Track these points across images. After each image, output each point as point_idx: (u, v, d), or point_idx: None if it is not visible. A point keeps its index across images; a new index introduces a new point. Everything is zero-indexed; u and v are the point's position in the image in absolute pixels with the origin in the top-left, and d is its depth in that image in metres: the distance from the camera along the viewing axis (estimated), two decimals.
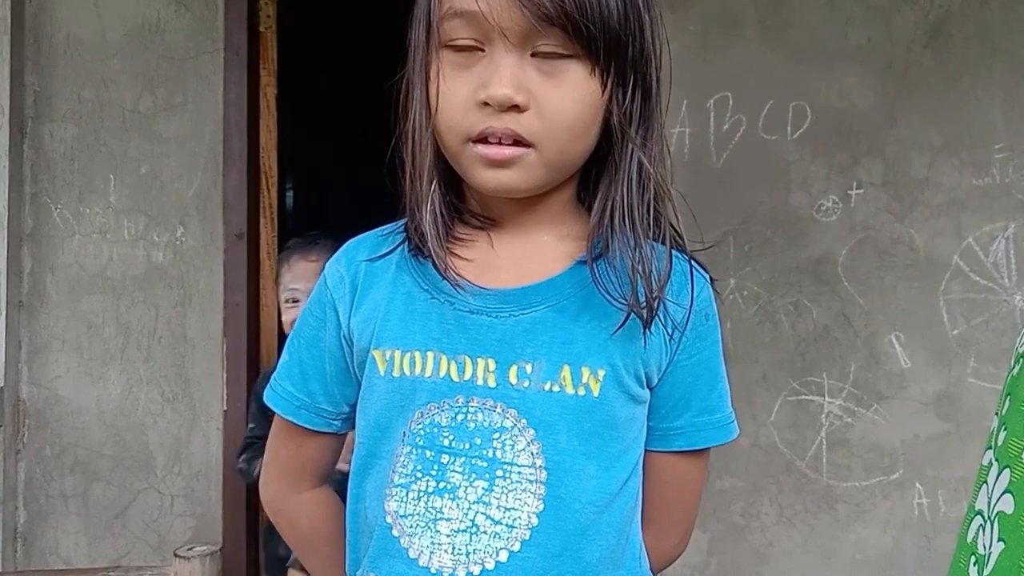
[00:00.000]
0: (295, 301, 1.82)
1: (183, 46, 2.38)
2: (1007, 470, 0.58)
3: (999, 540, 0.57)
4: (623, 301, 0.71)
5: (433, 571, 0.71)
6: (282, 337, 2.06)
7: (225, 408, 2.30)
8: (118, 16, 2.38)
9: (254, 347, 2.38)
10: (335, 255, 0.82)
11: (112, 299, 2.37)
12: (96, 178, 2.38)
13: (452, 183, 0.76)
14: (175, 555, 1.84)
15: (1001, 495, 0.58)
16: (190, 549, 1.85)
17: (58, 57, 2.38)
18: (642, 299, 0.71)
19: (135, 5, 2.38)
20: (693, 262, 0.78)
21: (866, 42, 2.36)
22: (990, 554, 0.57)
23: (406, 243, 0.77)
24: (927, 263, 2.33)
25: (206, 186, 2.37)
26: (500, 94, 0.66)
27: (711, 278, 0.80)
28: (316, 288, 0.82)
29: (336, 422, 0.82)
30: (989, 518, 0.59)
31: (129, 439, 2.37)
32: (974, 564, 0.59)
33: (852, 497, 2.30)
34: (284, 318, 1.86)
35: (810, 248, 2.36)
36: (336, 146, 4.90)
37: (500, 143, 0.68)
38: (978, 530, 0.60)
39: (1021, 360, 0.62)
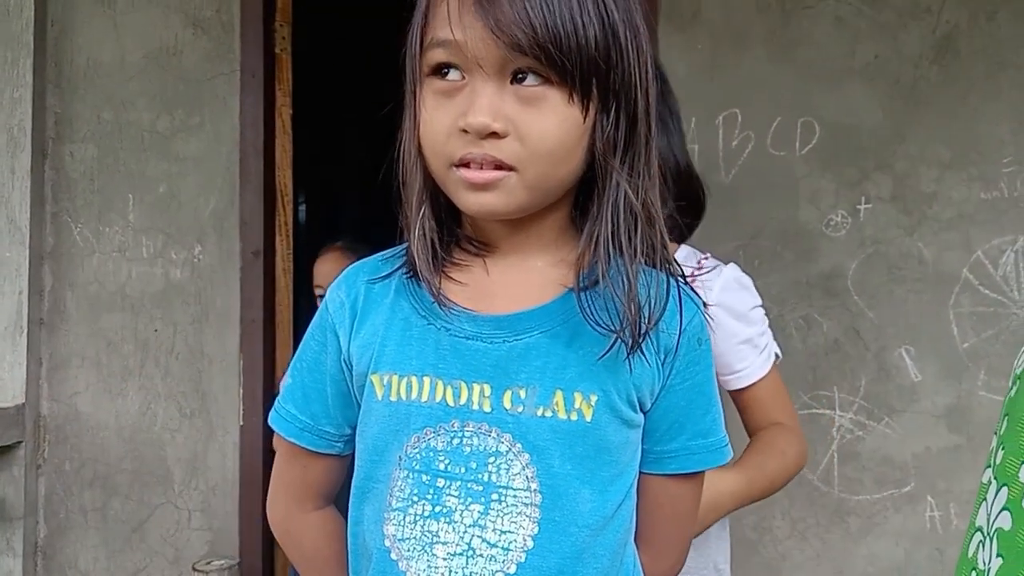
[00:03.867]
0: (320, 298, 1.88)
1: (200, 68, 2.44)
2: (1004, 488, 0.59)
3: (998, 555, 0.58)
4: (610, 329, 0.72)
5: None
6: None
7: (242, 423, 2.34)
8: (137, 39, 2.44)
9: (270, 363, 2.41)
10: (336, 280, 0.84)
11: (131, 316, 2.42)
12: (115, 197, 2.43)
13: (452, 209, 0.77)
14: (193, 569, 1.87)
15: (999, 512, 0.59)
16: (208, 563, 1.88)
17: (78, 80, 2.44)
18: (627, 328, 0.72)
19: (153, 28, 2.43)
20: (684, 287, 0.79)
21: (874, 58, 2.38)
22: (989, 569, 0.58)
23: (405, 267, 0.79)
24: (936, 277, 2.35)
25: (223, 205, 2.42)
26: (477, 123, 0.67)
27: (704, 303, 0.81)
28: (318, 313, 0.84)
29: (339, 444, 0.83)
30: (988, 535, 0.60)
31: (147, 454, 2.41)
32: None
33: (864, 510, 2.31)
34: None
35: (820, 262, 2.37)
36: (349, 163, 4.96)
37: (481, 168, 0.69)
38: (978, 546, 0.61)
39: (1018, 382, 0.63)
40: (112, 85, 2.44)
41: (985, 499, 0.63)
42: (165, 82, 2.43)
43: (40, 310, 2.41)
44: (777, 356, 1.11)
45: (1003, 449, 0.63)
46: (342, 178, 5.07)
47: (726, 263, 1.12)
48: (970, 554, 0.62)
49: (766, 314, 1.13)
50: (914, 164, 2.37)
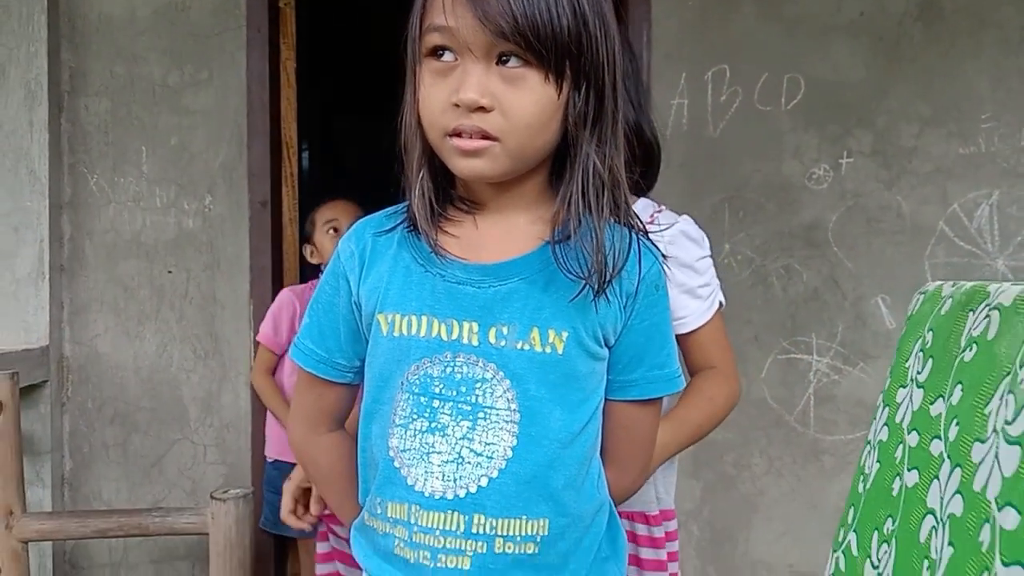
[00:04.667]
0: (335, 230, 2.33)
1: (208, 24, 2.51)
2: (958, 469, 0.59)
3: (949, 544, 0.58)
4: (579, 276, 0.85)
5: (427, 495, 0.86)
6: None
7: (252, 365, 2.47)
8: None
9: None
10: (347, 233, 0.97)
11: (146, 263, 2.53)
12: (129, 149, 2.53)
13: (446, 173, 0.89)
14: (212, 497, 2.02)
15: (952, 496, 0.59)
16: (225, 492, 2.03)
17: (91, 35, 2.51)
18: (594, 275, 0.85)
19: None
20: (644, 241, 0.91)
21: (859, 15, 2.45)
22: (940, 559, 0.58)
23: (406, 222, 0.92)
24: (913, 229, 2.45)
25: (231, 157, 2.51)
26: (467, 98, 0.79)
27: (663, 255, 0.94)
28: (331, 261, 0.97)
29: (349, 374, 0.97)
30: (941, 520, 0.60)
31: (164, 393, 2.55)
32: (927, 569, 0.60)
33: (838, 450, 2.45)
34: (328, 247, 2.34)
35: (802, 214, 2.48)
36: (352, 113, 5.02)
37: (471, 137, 0.81)
38: (931, 531, 0.61)
39: (974, 345, 0.63)
40: (123, 40, 2.51)
41: (937, 477, 0.62)
42: (174, 37, 2.51)
43: (60, 257, 2.52)
44: (721, 304, 1.22)
45: (957, 424, 0.61)
46: (346, 129, 5.15)
47: (681, 215, 1.23)
48: (922, 540, 0.62)
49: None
50: (895, 120, 2.46)
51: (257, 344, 2.36)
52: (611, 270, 0.86)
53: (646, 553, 1.25)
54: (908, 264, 2.44)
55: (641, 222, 0.93)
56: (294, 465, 2.29)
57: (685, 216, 1.22)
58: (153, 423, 2.55)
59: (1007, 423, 0.51)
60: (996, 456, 0.51)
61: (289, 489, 1.28)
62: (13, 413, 2.04)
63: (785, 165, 2.48)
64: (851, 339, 2.45)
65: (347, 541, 1.02)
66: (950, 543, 0.55)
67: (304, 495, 1.28)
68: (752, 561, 2.46)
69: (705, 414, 1.15)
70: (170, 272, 2.53)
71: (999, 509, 0.49)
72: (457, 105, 0.80)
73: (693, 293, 1.16)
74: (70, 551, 2.56)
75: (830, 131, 2.47)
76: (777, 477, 2.47)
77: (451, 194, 0.92)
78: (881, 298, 2.44)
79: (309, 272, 2.51)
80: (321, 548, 1.84)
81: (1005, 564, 0.46)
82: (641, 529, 1.26)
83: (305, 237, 2.42)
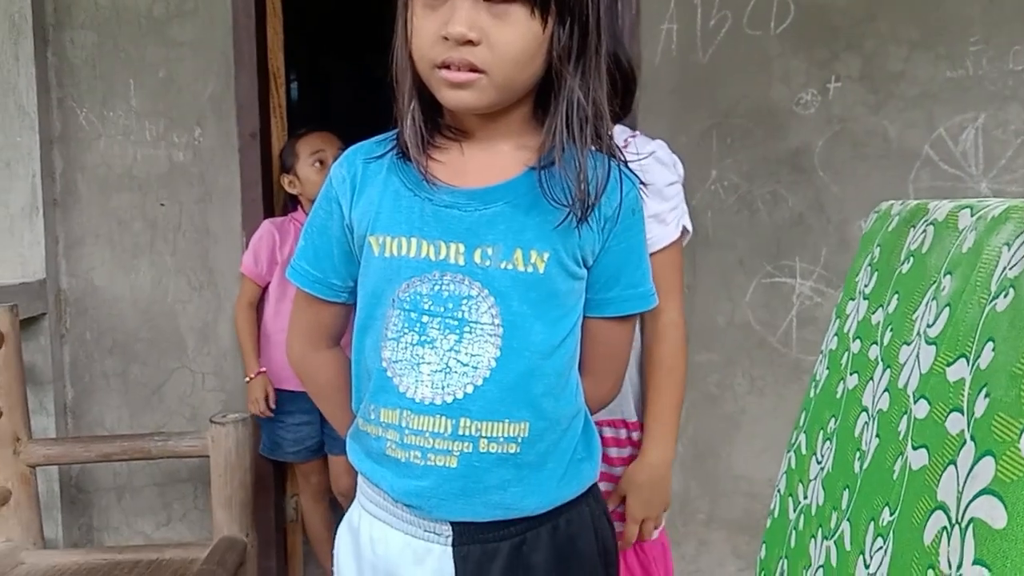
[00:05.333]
0: (322, 163, 2.36)
1: None
2: (888, 370, 0.63)
3: (876, 436, 0.62)
4: (563, 204, 0.90)
5: (417, 401, 0.93)
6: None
7: None
8: None
9: None
10: (339, 159, 1.01)
11: (139, 196, 2.55)
12: (117, 83, 2.52)
13: (434, 103, 0.93)
14: (211, 421, 2.09)
15: (882, 394, 0.63)
16: (224, 416, 2.10)
17: None
18: (576, 202, 0.90)
19: None
20: (624, 168, 0.96)
21: None
22: (869, 449, 0.62)
23: (395, 149, 0.96)
24: (899, 153, 2.47)
25: (220, 88, 2.51)
26: (456, 31, 0.83)
27: (641, 181, 0.98)
28: (324, 186, 1.02)
29: (344, 293, 1.03)
30: (872, 416, 0.64)
31: (162, 323, 2.60)
32: (858, 459, 0.64)
33: None
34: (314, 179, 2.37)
35: (789, 140, 2.49)
36: (339, 42, 4.97)
37: (459, 69, 0.85)
38: (863, 427, 0.65)
39: (911, 258, 0.66)
40: None
41: (871, 378, 0.64)
42: None
43: (53, 191, 2.54)
44: (686, 230, 1.27)
45: (891, 330, 0.61)
46: (332, 60, 5.10)
47: (655, 140, 1.27)
48: (856, 434, 0.64)
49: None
50: (884, 43, 2.45)
51: (242, 276, 2.41)
52: (592, 198, 0.91)
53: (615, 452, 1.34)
54: (893, 188, 2.47)
55: (621, 151, 0.97)
56: (290, 392, 2.36)
57: (659, 141, 1.25)
58: (152, 353, 2.61)
59: (928, 326, 0.56)
60: (917, 356, 0.56)
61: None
62: (15, 344, 2.10)
63: (773, 90, 2.48)
64: (834, 262, 2.49)
65: None
66: (877, 435, 0.60)
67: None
68: (734, 476, 2.55)
69: (677, 381, 1.27)
70: (163, 205, 2.56)
71: (915, 402, 0.54)
72: (446, 38, 0.84)
73: (658, 218, 1.20)
74: (76, 476, 2.65)
75: (818, 55, 2.47)
76: (759, 396, 2.54)
77: (439, 122, 0.96)
78: (864, 221, 2.47)
79: (290, 203, 2.53)
80: None
81: (915, 448, 0.51)
82: (621, 432, 1.34)
83: (286, 167, 2.43)
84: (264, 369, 2.37)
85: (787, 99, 2.48)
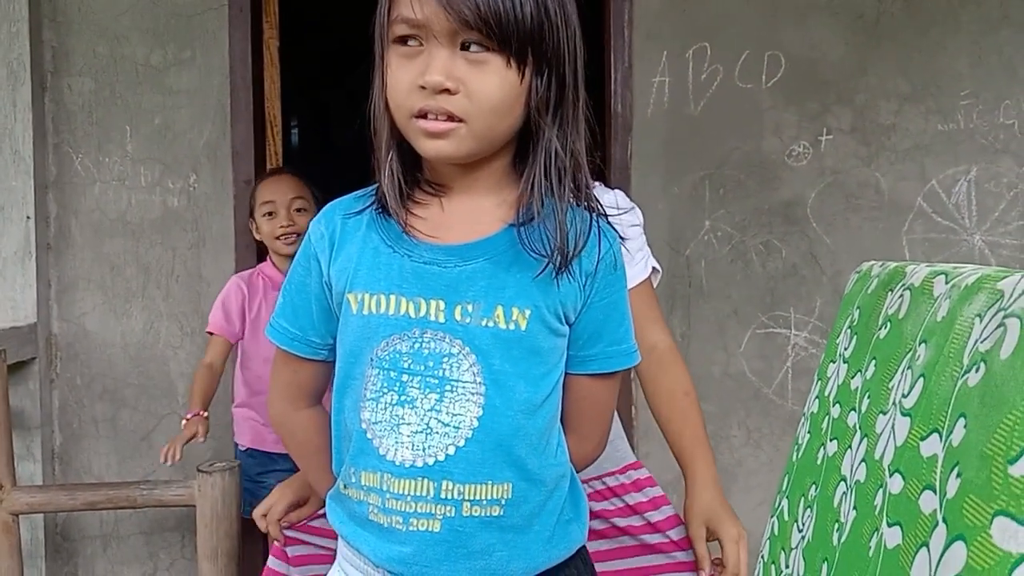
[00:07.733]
0: (271, 214, 2.21)
1: (190, 3, 2.51)
2: (865, 439, 0.62)
3: (853, 508, 0.60)
4: (543, 255, 0.89)
5: (398, 464, 0.90)
6: None
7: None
8: None
9: None
10: (318, 216, 1.00)
11: (132, 242, 2.55)
12: (113, 129, 2.54)
13: (414, 157, 0.92)
14: (198, 470, 2.06)
15: (859, 464, 0.62)
16: (211, 465, 2.07)
17: (73, 14, 2.52)
18: (556, 254, 0.89)
19: None
20: (604, 223, 0.95)
21: None
22: (847, 521, 0.61)
23: (374, 205, 0.95)
24: (891, 205, 2.48)
25: (215, 136, 2.53)
26: (433, 80, 0.83)
27: (621, 237, 0.97)
28: (303, 243, 1.01)
29: (323, 351, 1.01)
30: (850, 486, 0.62)
31: (152, 369, 2.58)
32: (836, 531, 0.62)
33: None
34: (264, 230, 2.24)
35: (781, 191, 2.50)
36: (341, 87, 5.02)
37: (437, 118, 0.85)
38: (842, 497, 0.64)
39: (888, 323, 0.66)
40: (106, 20, 2.51)
41: (850, 447, 0.64)
42: (157, 16, 2.51)
43: (47, 236, 2.54)
44: (655, 270, 1.28)
45: (868, 398, 0.61)
46: (334, 103, 5.15)
47: (613, 189, 1.30)
48: (835, 505, 0.65)
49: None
50: (874, 97, 2.48)
51: (209, 335, 2.26)
52: (573, 250, 0.90)
53: (631, 499, 1.32)
54: (886, 240, 2.48)
55: (601, 205, 0.96)
56: (268, 454, 2.31)
57: (617, 190, 1.29)
58: (142, 398, 2.59)
59: (903, 396, 0.55)
60: (892, 427, 0.55)
61: (280, 491, 1.30)
62: (1, 389, 2.08)
63: (765, 142, 2.50)
64: (829, 314, 2.48)
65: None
66: (854, 507, 0.59)
67: (288, 507, 1.30)
68: None
69: (695, 403, 1.27)
70: (156, 255, 2.56)
71: (890, 476, 0.52)
72: (423, 87, 0.83)
73: (625, 257, 1.22)
74: (61, 524, 2.61)
75: (810, 108, 2.49)
76: (755, 448, 2.51)
77: (418, 177, 0.95)
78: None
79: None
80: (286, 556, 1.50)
81: (889, 525, 0.49)
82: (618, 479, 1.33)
83: (251, 212, 2.31)
84: (207, 414, 2.21)
85: (779, 151, 2.50)
